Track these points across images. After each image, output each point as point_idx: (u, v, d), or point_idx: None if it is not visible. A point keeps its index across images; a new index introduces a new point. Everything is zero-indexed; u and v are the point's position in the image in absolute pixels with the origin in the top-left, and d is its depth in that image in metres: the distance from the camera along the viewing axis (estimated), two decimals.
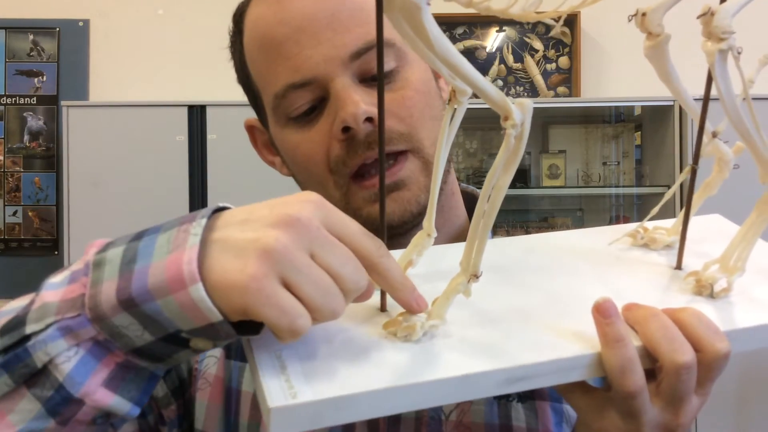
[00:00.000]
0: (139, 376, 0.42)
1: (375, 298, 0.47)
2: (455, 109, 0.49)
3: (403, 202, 0.61)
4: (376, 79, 0.60)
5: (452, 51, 0.37)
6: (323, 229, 0.39)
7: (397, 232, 0.62)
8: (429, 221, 0.51)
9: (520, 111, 0.39)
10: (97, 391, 0.40)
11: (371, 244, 0.41)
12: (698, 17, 0.45)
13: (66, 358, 0.39)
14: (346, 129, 0.59)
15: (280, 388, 0.38)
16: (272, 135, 0.67)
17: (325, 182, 0.63)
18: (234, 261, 0.37)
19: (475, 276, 0.43)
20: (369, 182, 0.61)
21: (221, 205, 0.42)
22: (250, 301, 0.37)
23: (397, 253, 0.51)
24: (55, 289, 0.41)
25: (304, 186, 0.68)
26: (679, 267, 0.54)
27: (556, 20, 0.41)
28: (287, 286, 0.37)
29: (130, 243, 0.41)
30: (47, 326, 0.39)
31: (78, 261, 0.44)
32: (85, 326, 0.39)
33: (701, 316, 0.45)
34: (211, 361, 0.64)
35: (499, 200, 0.41)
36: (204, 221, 0.39)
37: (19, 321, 0.40)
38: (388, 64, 0.61)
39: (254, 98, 0.68)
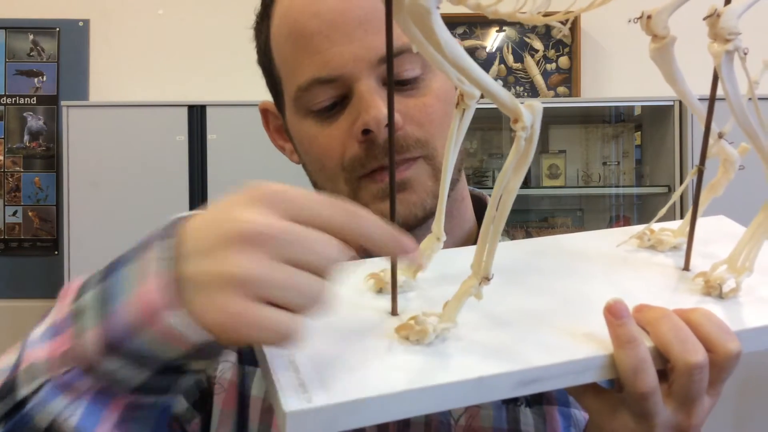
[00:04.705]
0: (149, 412, 0.41)
1: (386, 302, 0.47)
2: (463, 111, 0.49)
3: (408, 205, 0.62)
4: (402, 84, 0.61)
5: (462, 54, 0.37)
6: (286, 227, 0.37)
7: None
8: (438, 225, 0.51)
9: (530, 113, 0.39)
10: None
11: (337, 212, 0.39)
12: (704, 18, 0.45)
13: (70, 413, 0.38)
14: (366, 131, 0.60)
15: (295, 393, 0.38)
16: (288, 123, 0.68)
17: (335, 177, 0.64)
18: (210, 300, 0.36)
19: (487, 279, 0.43)
20: (380, 176, 0.62)
21: (178, 216, 0.40)
22: (241, 335, 0.36)
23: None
24: (38, 346, 0.40)
25: (313, 175, 0.68)
26: (686, 268, 0.54)
27: (564, 23, 0.41)
28: (267, 301, 0.36)
29: (101, 282, 0.40)
30: (40, 387, 0.39)
31: (57, 305, 0.43)
32: (80, 379, 0.38)
33: (712, 316, 0.46)
34: (226, 366, 0.63)
35: (510, 202, 0.41)
36: (162, 243, 0.38)
37: (9, 387, 0.40)
38: (414, 71, 0.62)
39: (273, 83, 0.68)
